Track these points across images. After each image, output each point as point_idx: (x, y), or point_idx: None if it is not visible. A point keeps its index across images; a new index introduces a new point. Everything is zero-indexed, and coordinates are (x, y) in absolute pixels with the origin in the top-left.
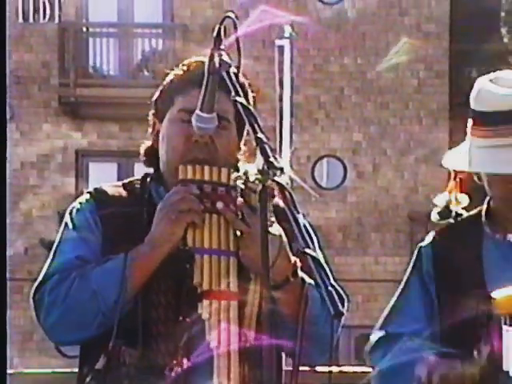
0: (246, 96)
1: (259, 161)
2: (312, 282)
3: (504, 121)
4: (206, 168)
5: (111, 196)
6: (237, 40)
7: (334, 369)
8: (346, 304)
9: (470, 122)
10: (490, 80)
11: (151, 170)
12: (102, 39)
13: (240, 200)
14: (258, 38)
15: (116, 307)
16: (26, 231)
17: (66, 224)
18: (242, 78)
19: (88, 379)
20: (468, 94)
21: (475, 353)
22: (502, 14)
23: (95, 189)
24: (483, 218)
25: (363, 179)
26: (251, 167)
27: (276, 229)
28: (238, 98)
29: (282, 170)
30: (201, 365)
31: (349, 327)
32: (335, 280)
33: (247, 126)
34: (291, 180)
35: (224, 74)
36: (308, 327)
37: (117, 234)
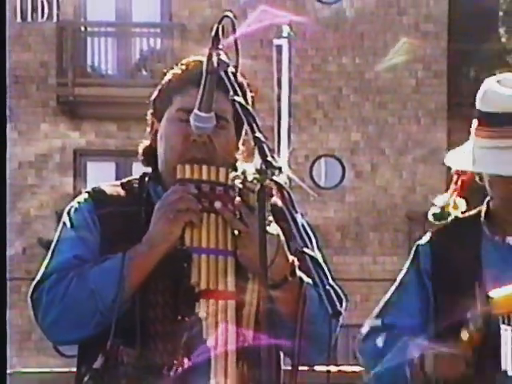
0: (244, 95)
1: (257, 160)
2: (310, 281)
3: (509, 122)
4: (204, 167)
5: (109, 195)
6: (235, 39)
7: (333, 368)
8: (344, 303)
9: (474, 122)
10: (498, 81)
11: (149, 170)
12: (100, 38)
13: (238, 199)
14: (256, 38)
15: (114, 306)
16: (24, 231)
17: (64, 223)
18: (240, 78)
19: (86, 378)
20: (466, 93)
21: (468, 316)
22: (501, 13)
23: (93, 188)
24: (482, 220)
25: (361, 179)
26: (249, 167)
27: (274, 228)
28: (236, 98)
29: (280, 169)
30: (199, 364)
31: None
32: (333, 279)
33: (245, 126)
34: (289, 179)
35: (222, 73)
36: (306, 326)
37: (115, 233)
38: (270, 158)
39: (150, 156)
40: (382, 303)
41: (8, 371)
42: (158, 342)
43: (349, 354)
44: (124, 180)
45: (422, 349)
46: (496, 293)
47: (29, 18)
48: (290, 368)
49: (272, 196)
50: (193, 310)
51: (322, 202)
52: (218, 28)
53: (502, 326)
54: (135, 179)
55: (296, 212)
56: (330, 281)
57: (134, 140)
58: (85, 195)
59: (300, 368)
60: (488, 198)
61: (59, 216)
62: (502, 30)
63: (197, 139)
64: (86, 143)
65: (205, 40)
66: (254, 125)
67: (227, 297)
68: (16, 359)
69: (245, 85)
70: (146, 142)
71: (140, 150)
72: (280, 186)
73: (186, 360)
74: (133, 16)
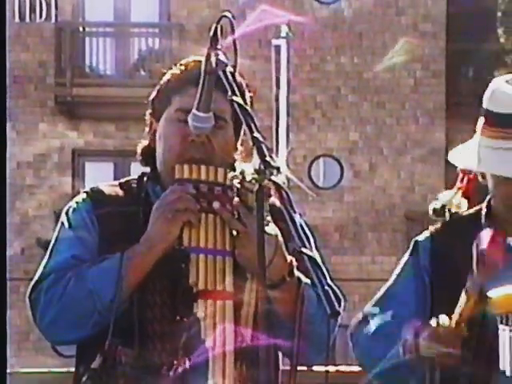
0: (242, 96)
1: (256, 160)
2: (308, 281)
3: None
4: (203, 167)
5: (108, 195)
6: (233, 40)
7: (331, 368)
8: (342, 303)
9: (481, 119)
10: (507, 81)
11: (148, 170)
12: (99, 39)
13: (236, 199)
14: (255, 38)
15: (112, 306)
16: (23, 231)
17: (63, 223)
18: (238, 78)
19: (84, 378)
20: (465, 93)
21: (468, 284)
22: (499, 13)
23: (92, 188)
24: (483, 219)
25: (360, 179)
26: (248, 167)
27: (272, 228)
28: (234, 98)
29: (278, 169)
30: (197, 364)
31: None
32: (332, 280)
33: (244, 126)
34: (288, 179)
35: (221, 73)
36: (304, 327)
37: (113, 233)
38: (268, 158)
39: (148, 156)
40: (376, 296)
41: (7, 371)
42: (156, 342)
43: (347, 355)
44: (122, 180)
45: (416, 329)
46: (495, 293)
47: (27, 19)
48: (288, 368)
49: (270, 196)
50: (191, 311)
51: (321, 202)
52: (216, 28)
53: (500, 327)
54: (133, 179)
55: (294, 212)
56: (329, 281)
57: (133, 140)
58: (83, 195)
59: (298, 368)
60: (489, 197)
61: (57, 216)
62: (500, 30)
63: (195, 139)
64: (84, 143)
65: (203, 40)
66: (253, 125)
67: (225, 297)
68: (14, 359)
69: (243, 85)
70: (145, 142)
71: (138, 150)
72: (278, 186)
73: (184, 360)
74: (131, 16)
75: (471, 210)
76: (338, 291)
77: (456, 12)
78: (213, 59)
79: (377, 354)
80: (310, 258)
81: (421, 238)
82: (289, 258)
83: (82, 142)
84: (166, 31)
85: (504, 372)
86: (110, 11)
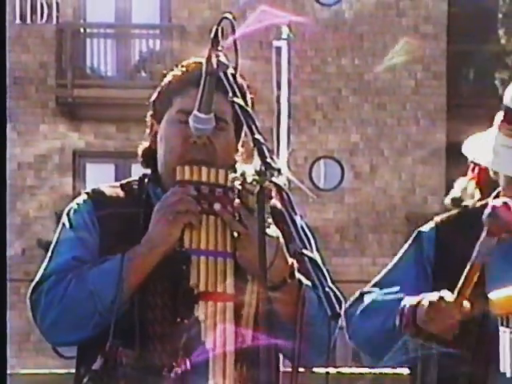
0: (243, 97)
1: (257, 162)
2: (309, 283)
3: None
4: (204, 169)
5: (109, 197)
6: (234, 41)
7: (332, 370)
8: (343, 305)
9: (499, 115)
10: None
11: (149, 171)
12: (100, 40)
13: (237, 201)
14: (256, 39)
15: (113, 308)
16: (24, 232)
17: (64, 225)
18: (239, 79)
19: (85, 380)
20: (465, 95)
21: (474, 255)
22: (500, 15)
23: (93, 189)
24: None
25: (360, 180)
26: (249, 168)
27: (273, 230)
28: (235, 99)
29: (279, 171)
30: (198, 366)
31: None
32: (332, 281)
33: (245, 127)
34: (289, 181)
35: (222, 74)
36: (305, 328)
37: (114, 234)
38: (269, 160)
39: (149, 157)
40: (374, 280)
41: (7, 372)
42: (156, 344)
43: (348, 356)
44: (123, 181)
45: (414, 300)
46: (495, 294)
47: (28, 20)
48: (288, 369)
49: (271, 198)
50: (192, 312)
51: (322, 204)
52: (217, 29)
53: (501, 328)
54: (134, 180)
55: (295, 213)
56: (329, 282)
57: (134, 141)
58: (84, 196)
59: (299, 370)
60: (496, 192)
61: (58, 217)
62: (501, 32)
63: (196, 141)
64: (85, 144)
65: (204, 41)
66: (254, 126)
67: (226, 299)
68: (15, 360)
69: (244, 86)
70: (146, 144)
71: (139, 152)
72: (279, 188)
73: (184, 361)
74: (132, 17)
75: (477, 205)
76: (338, 293)
77: (457, 13)
78: (214, 60)
79: (370, 327)
80: (310, 259)
81: (425, 228)
82: (290, 259)
83: (82, 143)
84: (167, 32)
85: (504, 373)
86: (111, 12)
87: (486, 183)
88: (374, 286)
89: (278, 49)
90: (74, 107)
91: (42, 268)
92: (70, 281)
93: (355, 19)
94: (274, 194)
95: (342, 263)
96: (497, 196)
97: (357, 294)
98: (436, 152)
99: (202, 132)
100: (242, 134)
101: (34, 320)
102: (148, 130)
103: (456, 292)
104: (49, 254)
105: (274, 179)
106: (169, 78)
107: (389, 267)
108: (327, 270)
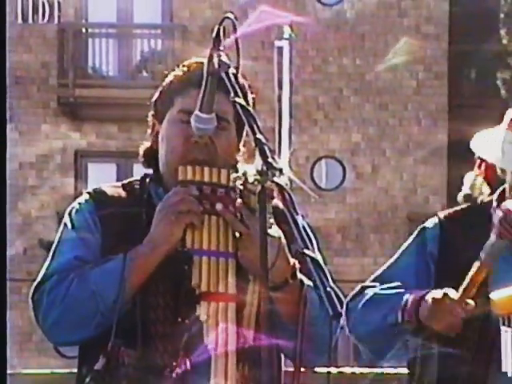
0: (245, 97)
1: (258, 162)
2: (311, 283)
3: None
4: (206, 169)
5: (110, 196)
6: (236, 41)
7: (333, 370)
8: (344, 305)
9: (510, 112)
10: None
11: (150, 171)
12: (101, 40)
13: (239, 201)
14: (257, 39)
15: (115, 307)
16: (25, 232)
17: (65, 224)
18: (241, 79)
19: (87, 380)
20: (467, 95)
21: (482, 254)
22: (501, 15)
23: (94, 189)
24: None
25: (362, 180)
26: (250, 168)
27: (275, 230)
28: (237, 99)
29: (281, 170)
30: (199, 366)
31: None
32: (334, 281)
33: (246, 127)
34: (290, 181)
35: (223, 74)
36: (307, 328)
37: (116, 234)
38: (270, 160)
39: (150, 157)
40: (375, 274)
41: (8, 372)
42: (158, 343)
43: (349, 356)
44: (125, 181)
45: (418, 295)
46: (497, 294)
47: (30, 20)
48: (290, 369)
49: (273, 198)
50: (193, 312)
51: (323, 204)
52: (218, 29)
53: (503, 328)
54: (136, 180)
55: (297, 213)
56: (331, 282)
57: (135, 141)
58: (86, 196)
59: (301, 370)
60: (501, 190)
61: (60, 217)
62: (502, 32)
63: (198, 140)
64: (86, 144)
65: (206, 41)
66: (255, 126)
67: (228, 299)
68: (17, 360)
69: (246, 86)
70: (147, 144)
71: (141, 152)
72: (281, 188)
73: (186, 361)
74: (134, 17)
75: (483, 202)
76: (340, 293)
77: (458, 13)
78: (215, 60)
79: (370, 321)
80: (312, 259)
81: (428, 224)
82: (291, 260)
83: (84, 142)
84: (169, 32)
85: (505, 373)
86: (113, 12)
87: (494, 179)
88: (375, 280)
89: (280, 49)
90: (75, 107)
91: (43, 268)
92: (72, 280)
93: (357, 19)
94: (275, 194)
95: (343, 263)
96: (502, 193)
97: (358, 288)
98: (438, 152)
99: (203, 132)
100: (244, 134)
101: (35, 320)
102: (149, 130)
103: (461, 290)
104: (50, 253)
105: (275, 179)
106: (170, 77)
107: (390, 261)
108: (329, 270)
